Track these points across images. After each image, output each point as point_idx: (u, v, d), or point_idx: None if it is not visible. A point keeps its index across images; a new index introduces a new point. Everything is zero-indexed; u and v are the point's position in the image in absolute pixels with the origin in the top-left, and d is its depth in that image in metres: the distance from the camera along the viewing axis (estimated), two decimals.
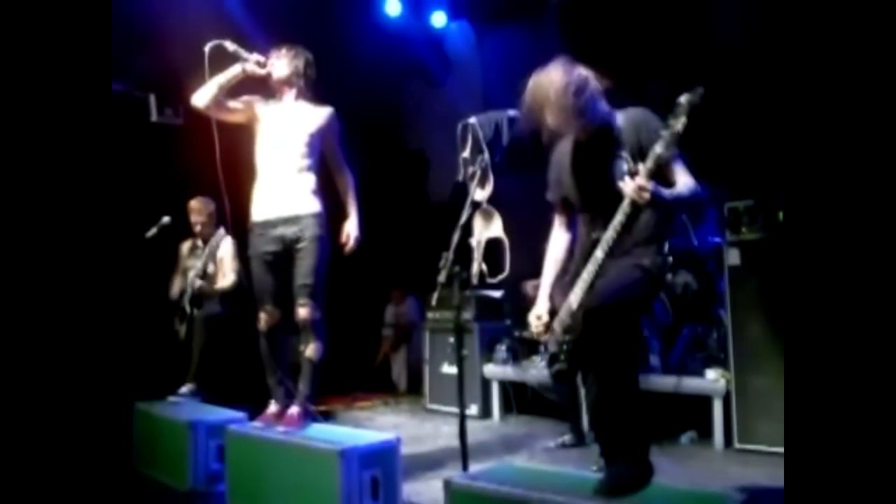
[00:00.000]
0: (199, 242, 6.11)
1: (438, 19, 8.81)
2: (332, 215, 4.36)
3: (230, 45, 4.17)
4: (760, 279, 4.90)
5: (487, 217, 3.95)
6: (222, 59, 4.18)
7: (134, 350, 5.58)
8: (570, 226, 3.34)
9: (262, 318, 4.33)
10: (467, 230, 4.04)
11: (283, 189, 4.28)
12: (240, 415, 4.70)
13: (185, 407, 5.22)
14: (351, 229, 4.40)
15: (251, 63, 4.25)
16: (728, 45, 5.93)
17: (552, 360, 3.06)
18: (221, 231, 6.02)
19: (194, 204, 6.04)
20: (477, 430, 5.75)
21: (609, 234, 2.88)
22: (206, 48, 4.10)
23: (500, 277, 4.01)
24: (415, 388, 8.00)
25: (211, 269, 5.99)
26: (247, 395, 4.95)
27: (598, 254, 2.92)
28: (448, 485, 3.20)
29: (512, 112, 3.82)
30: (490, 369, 6.57)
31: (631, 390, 2.94)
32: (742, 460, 4.71)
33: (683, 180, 2.96)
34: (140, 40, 6.49)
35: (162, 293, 6.16)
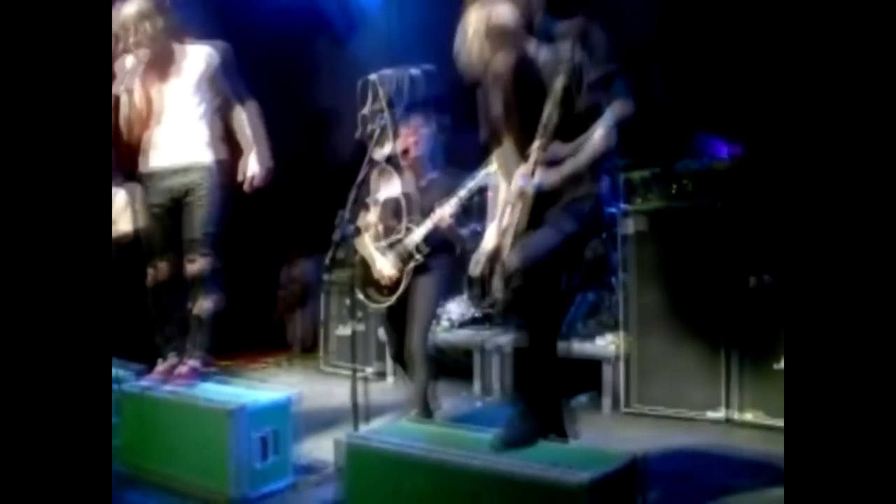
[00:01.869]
0: None
1: None
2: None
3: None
4: (656, 248, 5.02)
5: (385, 176, 3.91)
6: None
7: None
8: None
9: (150, 272, 4.18)
10: (365, 190, 3.99)
11: (173, 139, 4.11)
12: (129, 371, 4.57)
13: None
14: (251, 165, 4.16)
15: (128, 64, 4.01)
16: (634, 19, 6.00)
17: (503, 304, 3.08)
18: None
19: None
20: (373, 391, 5.69)
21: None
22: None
23: (397, 237, 3.99)
24: (310, 349, 7.95)
25: None
26: (137, 351, 4.80)
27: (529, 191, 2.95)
28: (340, 444, 3.18)
29: (414, 70, 3.77)
30: None
31: (550, 347, 3.01)
32: (632, 422, 4.85)
33: (605, 120, 2.96)
34: None
35: None
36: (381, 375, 6.59)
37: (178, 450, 3.83)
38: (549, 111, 2.88)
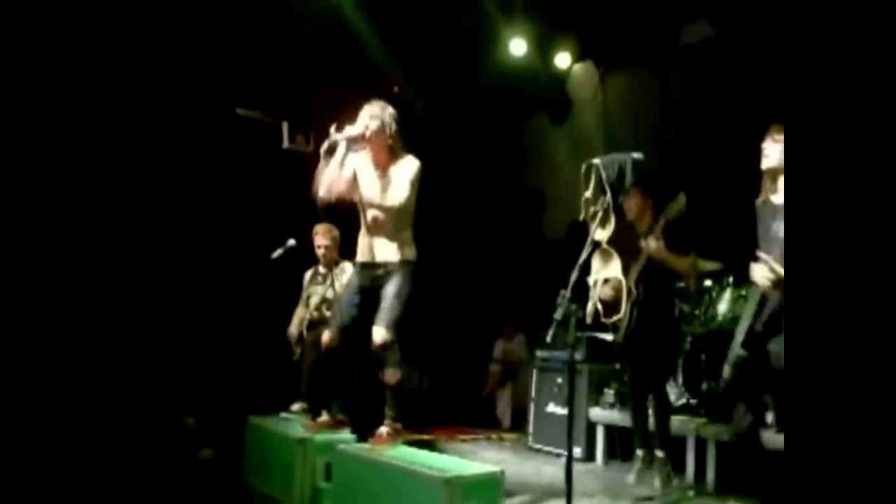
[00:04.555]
0: (321, 269, 6.26)
1: (562, 60, 8.86)
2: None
3: (342, 146, 4.41)
4: None
5: (606, 257, 3.95)
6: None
7: (251, 367, 5.80)
8: None
9: (327, 336, 4.69)
10: (586, 270, 4.05)
11: (375, 242, 4.59)
12: (348, 434, 4.80)
13: (295, 423, 5.34)
14: None
15: (356, 139, 4.47)
16: None
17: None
18: (347, 263, 6.15)
19: (319, 228, 6.18)
20: (580, 473, 5.68)
21: None
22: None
23: (615, 318, 3.99)
24: (518, 425, 7.98)
25: (331, 294, 6.11)
26: (356, 416, 5.05)
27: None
28: None
29: (636, 155, 3.83)
30: (596, 412, 6.49)
31: None
32: None
33: None
34: (278, 72, 6.76)
35: (282, 314, 6.33)
36: (590, 457, 6.52)
37: None
38: None
